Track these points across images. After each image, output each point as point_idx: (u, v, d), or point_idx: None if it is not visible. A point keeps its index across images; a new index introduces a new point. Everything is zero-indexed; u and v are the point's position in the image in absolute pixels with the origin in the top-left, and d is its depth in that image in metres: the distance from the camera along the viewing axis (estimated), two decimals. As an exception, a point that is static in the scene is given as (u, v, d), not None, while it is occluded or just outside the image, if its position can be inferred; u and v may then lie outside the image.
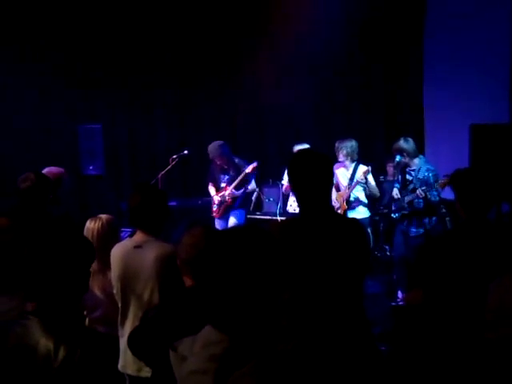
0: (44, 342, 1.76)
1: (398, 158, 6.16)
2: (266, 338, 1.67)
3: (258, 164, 6.75)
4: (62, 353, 1.73)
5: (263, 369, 1.60)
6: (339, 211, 6.54)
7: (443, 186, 5.80)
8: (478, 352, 2.43)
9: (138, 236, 3.17)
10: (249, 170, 6.71)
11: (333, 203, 6.70)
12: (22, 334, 1.81)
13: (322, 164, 2.84)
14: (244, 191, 6.85)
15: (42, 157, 7.40)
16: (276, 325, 1.73)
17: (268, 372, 1.60)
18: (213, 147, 6.79)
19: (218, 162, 6.85)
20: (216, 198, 6.96)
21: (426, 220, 6.05)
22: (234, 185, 6.79)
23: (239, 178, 6.75)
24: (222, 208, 6.92)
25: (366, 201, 6.62)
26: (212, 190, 7.11)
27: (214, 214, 7.02)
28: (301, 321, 2.66)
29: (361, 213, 6.56)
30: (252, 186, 6.98)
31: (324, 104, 9.15)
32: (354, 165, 6.56)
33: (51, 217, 4.08)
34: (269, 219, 7.16)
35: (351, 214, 6.49)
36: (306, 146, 6.67)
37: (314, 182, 2.79)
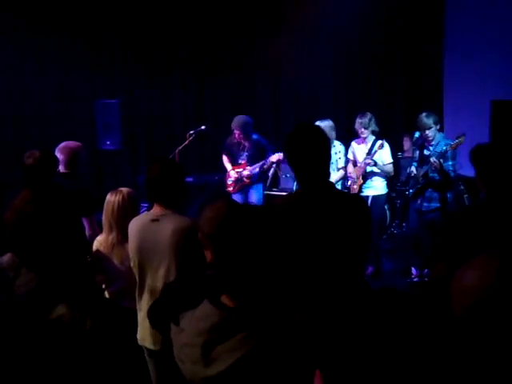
0: (68, 315, 1.77)
1: (417, 134, 6.08)
2: (262, 312, 1.70)
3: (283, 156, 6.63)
4: (88, 323, 1.75)
5: (252, 342, 1.63)
6: (355, 186, 6.49)
7: (455, 147, 5.72)
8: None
9: (156, 209, 3.16)
10: (274, 159, 6.60)
11: (349, 179, 6.66)
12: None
13: (319, 138, 2.83)
14: (260, 170, 6.78)
15: (60, 131, 7.43)
16: (275, 301, 1.76)
17: (257, 346, 1.63)
18: (238, 120, 6.69)
19: (237, 136, 6.76)
20: (232, 174, 6.92)
21: (438, 194, 5.98)
22: (254, 167, 6.73)
23: (264, 166, 6.69)
24: (238, 185, 6.90)
25: (383, 176, 6.54)
26: (227, 163, 7.04)
27: (230, 189, 6.98)
28: (301, 295, 2.66)
29: (378, 189, 6.50)
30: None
31: (343, 78, 9.06)
32: (372, 139, 6.49)
33: (62, 191, 4.07)
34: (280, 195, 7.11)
35: (368, 190, 6.45)
36: (328, 122, 6.59)
37: (311, 156, 2.78)
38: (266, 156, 6.70)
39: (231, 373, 1.62)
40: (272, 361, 1.62)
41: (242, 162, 6.87)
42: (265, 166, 6.74)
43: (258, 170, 6.77)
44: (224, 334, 1.65)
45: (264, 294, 1.70)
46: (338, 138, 6.63)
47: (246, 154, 6.82)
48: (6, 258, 3.11)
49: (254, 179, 6.82)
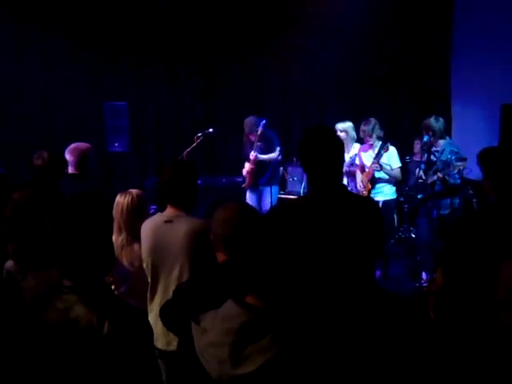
0: (86, 317, 1.75)
1: (425, 138, 6.08)
2: (285, 312, 1.71)
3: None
4: (105, 327, 1.74)
5: (281, 342, 1.64)
6: (364, 192, 6.48)
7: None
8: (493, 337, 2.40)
9: (169, 211, 3.16)
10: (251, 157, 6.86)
11: (358, 185, 6.65)
12: (62, 309, 1.81)
13: (332, 141, 2.82)
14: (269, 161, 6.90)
15: (68, 133, 7.47)
16: (294, 300, 1.77)
17: (285, 345, 1.64)
18: (249, 122, 6.78)
19: (252, 138, 6.86)
20: (245, 167, 7.04)
21: (448, 201, 5.99)
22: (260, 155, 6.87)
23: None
24: (249, 177, 6.95)
25: (391, 181, 6.51)
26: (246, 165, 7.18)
27: (244, 185, 7.10)
28: (312, 298, 2.66)
29: (387, 194, 6.49)
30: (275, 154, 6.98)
31: (350, 80, 9.04)
32: (380, 144, 6.49)
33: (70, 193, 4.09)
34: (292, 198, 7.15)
35: (377, 196, 6.42)
36: (349, 123, 6.70)
37: (324, 159, 2.77)
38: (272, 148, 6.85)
39: (262, 373, 1.62)
40: (301, 360, 1.62)
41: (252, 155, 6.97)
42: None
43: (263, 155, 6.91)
44: (254, 334, 1.65)
45: (288, 294, 1.71)
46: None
47: (255, 146, 6.89)
48: (12, 262, 3.06)
49: (265, 177, 6.84)
